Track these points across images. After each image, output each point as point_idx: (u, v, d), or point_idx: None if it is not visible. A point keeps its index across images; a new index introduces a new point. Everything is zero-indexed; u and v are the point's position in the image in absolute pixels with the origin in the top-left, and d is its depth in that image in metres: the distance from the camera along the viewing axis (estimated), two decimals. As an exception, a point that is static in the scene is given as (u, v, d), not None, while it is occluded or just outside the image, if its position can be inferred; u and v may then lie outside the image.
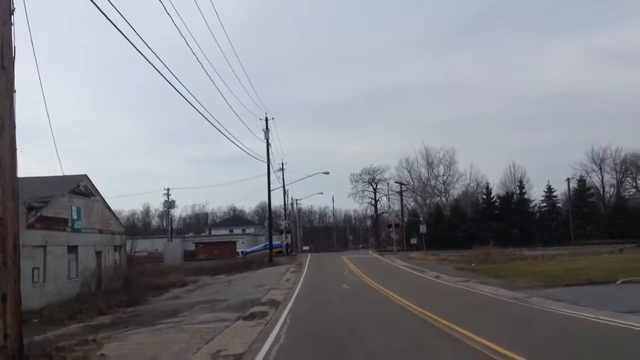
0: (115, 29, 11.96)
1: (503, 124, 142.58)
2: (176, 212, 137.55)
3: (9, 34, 8.74)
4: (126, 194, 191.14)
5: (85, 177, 30.61)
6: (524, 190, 75.56)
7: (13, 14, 8.86)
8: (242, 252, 75.50)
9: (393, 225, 65.85)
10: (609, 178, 78.84)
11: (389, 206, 79.95)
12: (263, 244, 69.15)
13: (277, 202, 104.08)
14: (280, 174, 68.16)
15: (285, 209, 76.47)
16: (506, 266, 31.77)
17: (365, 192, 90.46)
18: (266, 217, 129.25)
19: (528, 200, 75.74)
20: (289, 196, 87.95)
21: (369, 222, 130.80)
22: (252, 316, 15.39)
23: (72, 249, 28.21)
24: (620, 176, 78.16)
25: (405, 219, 73.28)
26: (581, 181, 74.90)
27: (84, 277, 28.45)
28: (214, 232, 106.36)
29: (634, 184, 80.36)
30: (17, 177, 8.76)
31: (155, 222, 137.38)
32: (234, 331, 12.48)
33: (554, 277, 23.27)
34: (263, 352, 9.77)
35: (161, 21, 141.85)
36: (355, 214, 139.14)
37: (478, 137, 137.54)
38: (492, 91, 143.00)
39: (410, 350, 9.73)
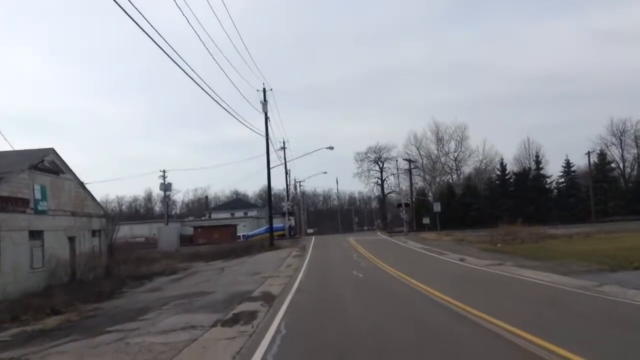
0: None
1: (515, 104, 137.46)
2: (178, 197, 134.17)
3: None
4: (123, 176, 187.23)
5: (51, 151, 26.37)
6: (540, 166, 71.03)
7: None
8: (243, 235, 71.59)
9: (403, 205, 61.45)
10: (630, 152, 73.97)
11: (398, 184, 75.54)
12: (265, 227, 65.11)
13: (280, 185, 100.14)
14: (281, 154, 63.97)
15: (287, 190, 72.34)
16: (539, 246, 27.60)
17: (372, 172, 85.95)
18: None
19: (545, 176, 71.22)
20: (292, 177, 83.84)
21: (374, 204, 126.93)
22: (235, 320, 11.28)
23: (36, 235, 24.06)
24: (643, 149, 73.09)
25: (414, 199, 69.09)
26: (602, 155, 70.12)
27: (51, 266, 24.35)
28: (214, 215, 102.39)
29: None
30: None
31: (158, 207, 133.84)
32: (200, 351, 8.35)
33: (611, 258, 19.14)
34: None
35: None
36: (360, 195, 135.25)
37: (489, 116, 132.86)
38: (505, 70, 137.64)
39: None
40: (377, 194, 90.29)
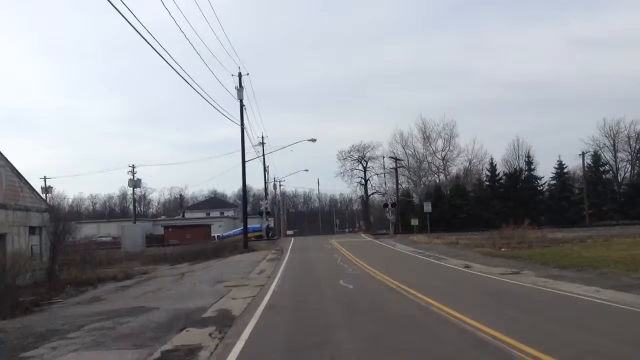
0: None
1: (500, 109, 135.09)
2: (154, 196, 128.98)
3: None
4: (83, 172, 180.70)
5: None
6: (532, 167, 67.61)
7: None
8: (218, 236, 67.05)
9: (389, 204, 57.25)
10: (623, 154, 70.95)
11: (385, 182, 71.42)
12: (241, 228, 60.66)
13: (260, 184, 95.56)
14: (260, 150, 59.47)
15: (265, 187, 67.95)
16: (554, 251, 23.66)
17: (355, 171, 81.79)
18: (248, 201, 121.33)
19: (537, 178, 67.85)
20: (271, 176, 79.49)
21: (355, 206, 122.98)
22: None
23: (-54, 230, 19.38)
24: (637, 151, 70.09)
25: (398, 200, 65.02)
26: (595, 156, 66.98)
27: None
28: (189, 215, 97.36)
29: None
30: None
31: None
32: None
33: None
34: None
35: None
36: (341, 197, 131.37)
37: (475, 120, 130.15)
38: (491, 76, 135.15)
39: None
40: (360, 194, 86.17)
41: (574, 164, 71.39)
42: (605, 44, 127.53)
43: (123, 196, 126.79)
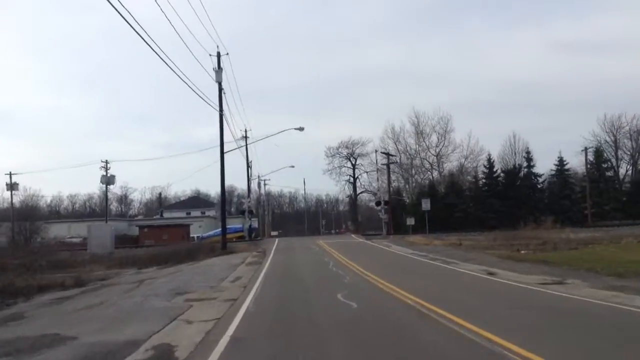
0: None
1: (493, 110, 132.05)
2: (135, 196, 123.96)
3: None
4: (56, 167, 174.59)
5: None
6: (532, 163, 63.96)
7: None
8: (197, 237, 62.65)
9: (382, 202, 53.05)
10: (625, 150, 67.74)
11: (377, 178, 67.19)
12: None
13: (244, 184, 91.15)
14: (243, 144, 55.14)
15: (248, 184, 63.59)
16: (589, 254, 19.77)
17: (343, 169, 77.68)
18: (232, 201, 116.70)
19: (537, 175, 64.27)
20: (254, 171, 75.20)
21: (341, 207, 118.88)
22: None
23: None
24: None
25: (390, 198, 61.02)
26: (598, 152, 63.53)
27: None
28: (167, 214, 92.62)
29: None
30: None
31: (114, 206, 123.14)
32: None
33: None
34: None
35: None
36: (327, 198, 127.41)
37: (467, 121, 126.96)
38: (484, 77, 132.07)
39: None
40: (348, 193, 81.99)
41: (572, 162, 68.11)
42: (605, 46, 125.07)
43: (104, 196, 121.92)
